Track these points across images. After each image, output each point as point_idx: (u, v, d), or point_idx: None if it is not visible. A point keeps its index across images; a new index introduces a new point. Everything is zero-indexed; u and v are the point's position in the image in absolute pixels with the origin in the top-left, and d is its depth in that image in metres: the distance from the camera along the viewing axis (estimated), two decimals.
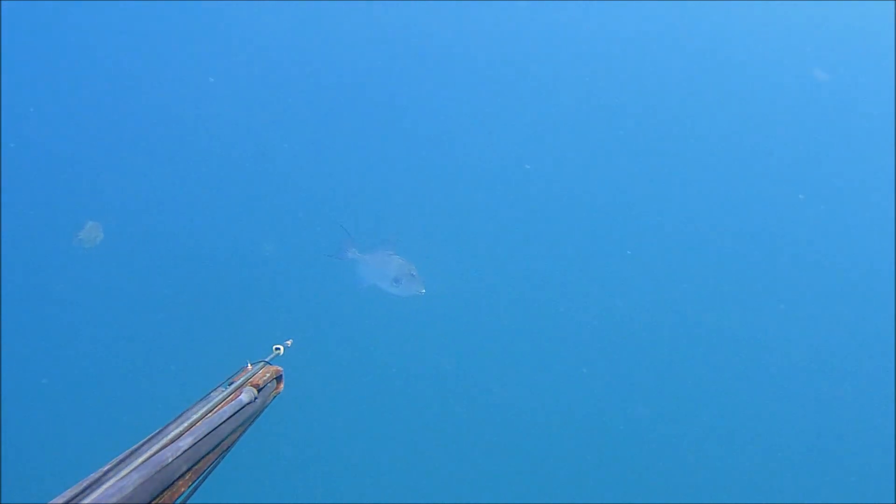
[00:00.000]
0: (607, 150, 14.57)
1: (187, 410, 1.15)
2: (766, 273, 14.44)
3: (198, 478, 1.09)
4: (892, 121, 16.23)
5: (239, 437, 1.22)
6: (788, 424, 12.18)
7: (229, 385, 1.29)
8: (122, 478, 0.89)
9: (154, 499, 0.93)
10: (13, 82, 12.41)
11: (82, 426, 9.25)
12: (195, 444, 1.06)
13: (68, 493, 0.85)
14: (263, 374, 1.35)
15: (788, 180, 15.96)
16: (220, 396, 1.22)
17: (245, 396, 1.26)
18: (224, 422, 1.15)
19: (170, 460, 0.97)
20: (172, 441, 1.03)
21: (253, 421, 1.27)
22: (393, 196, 12.94)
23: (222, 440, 1.15)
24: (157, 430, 1.05)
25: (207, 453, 1.09)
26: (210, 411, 1.16)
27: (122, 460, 0.94)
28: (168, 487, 0.97)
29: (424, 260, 7.05)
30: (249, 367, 1.38)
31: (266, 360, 1.41)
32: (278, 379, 1.39)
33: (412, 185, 13.45)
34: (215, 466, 1.15)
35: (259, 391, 1.30)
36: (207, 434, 1.09)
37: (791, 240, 15.04)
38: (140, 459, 0.94)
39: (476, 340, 11.53)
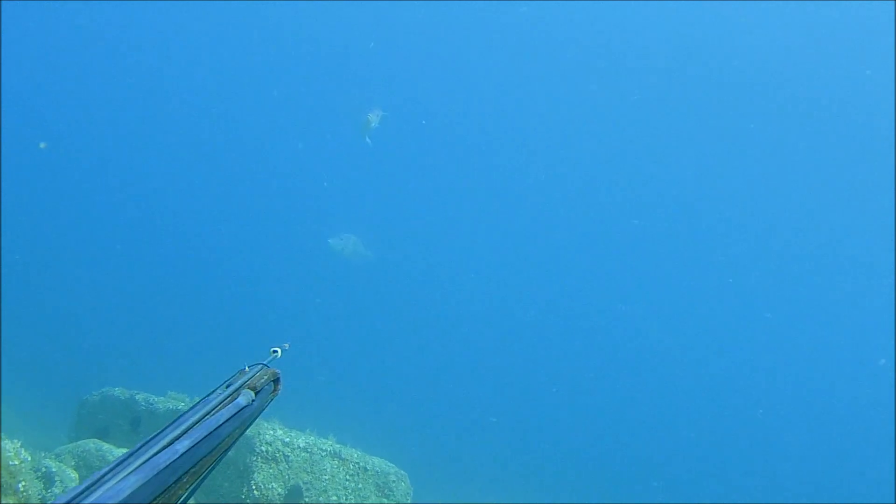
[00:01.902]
0: None
1: (185, 413, 1.14)
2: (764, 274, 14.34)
3: (196, 480, 1.08)
4: (893, 121, 16.16)
5: (236, 439, 1.21)
6: (788, 424, 12.13)
7: (227, 388, 1.28)
8: (119, 480, 0.89)
9: (152, 501, 0.92)
10: None
11: None
12: (193, 446, 1.05)
13: (67, 495, 0.85)
14: (261, 376, 1.35)
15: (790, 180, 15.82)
16: (218, 399, 1.22)
17: (243, 399, 1.26)
18: (221, 425, 1.15)
19: (167, 463, 0.97)
20: (170, 444, 1.02)
21: (250, 423, 1.27)
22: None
23: (220, 442, 1.15)
24: (155, 433, 1.05)
25: (205, 456, 1.09)
26: (208, 414, 1.16)
27: (119, 463, 0.94)
28: (166, 490, 0.96)
29: None
30: (247, 369, 1.38)
31: (264, 362, 1.41)
32: (275, 381, 1.39)
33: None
34: (213, 468, 1.15)
35: (257, 394, 1.30)
36: (205, 437, 1.09)
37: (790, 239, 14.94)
38: (138, 462, 0.94)
39: None
